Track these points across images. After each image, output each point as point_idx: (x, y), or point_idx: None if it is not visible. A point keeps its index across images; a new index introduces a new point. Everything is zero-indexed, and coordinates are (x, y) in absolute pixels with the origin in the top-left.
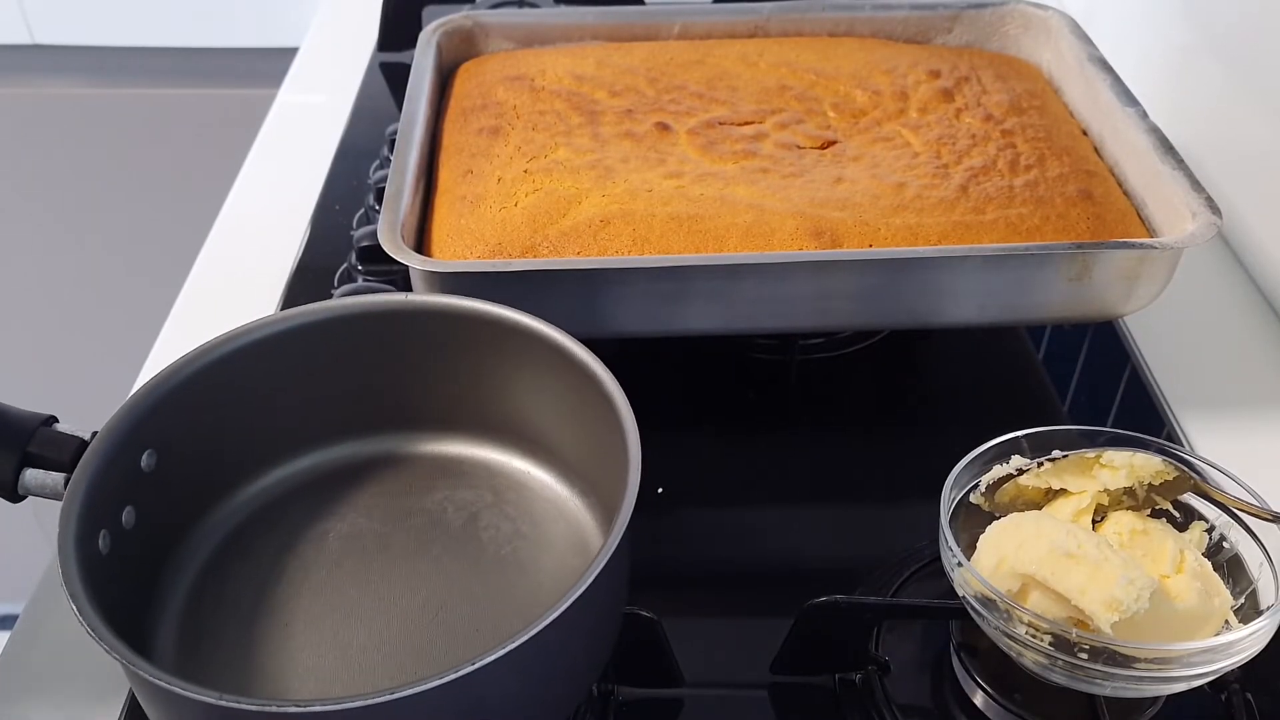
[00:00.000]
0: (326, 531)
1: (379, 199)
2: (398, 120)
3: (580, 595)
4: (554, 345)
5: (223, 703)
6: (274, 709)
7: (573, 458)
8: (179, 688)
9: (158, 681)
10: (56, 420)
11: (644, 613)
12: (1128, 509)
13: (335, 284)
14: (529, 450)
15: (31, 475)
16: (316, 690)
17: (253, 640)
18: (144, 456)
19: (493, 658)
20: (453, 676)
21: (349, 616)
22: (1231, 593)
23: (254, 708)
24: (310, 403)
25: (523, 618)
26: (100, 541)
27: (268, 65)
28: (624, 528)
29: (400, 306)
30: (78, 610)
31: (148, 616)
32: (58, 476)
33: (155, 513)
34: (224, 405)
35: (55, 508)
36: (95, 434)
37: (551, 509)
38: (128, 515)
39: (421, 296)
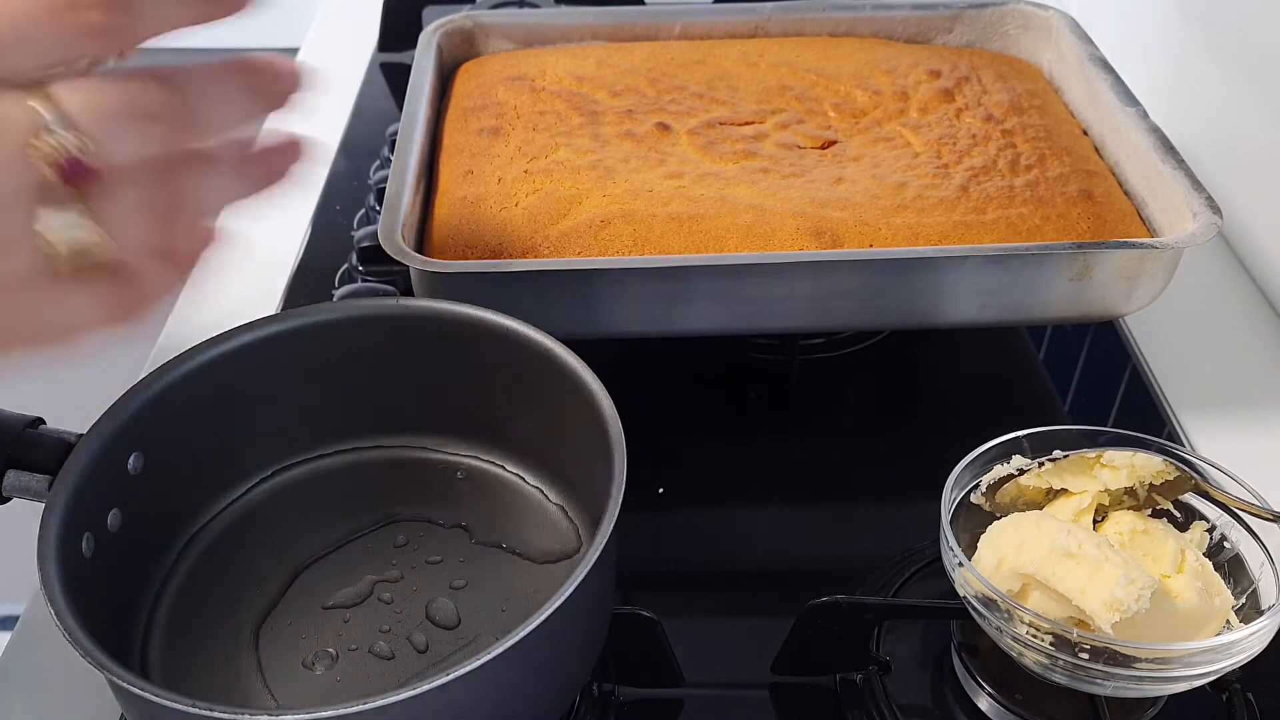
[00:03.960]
0: (317, 535)
1: (379, 199)
2: (398, 120)
3: (550, 615)
4: (542, 351)
5: (195, 710)
6: (245, 717)
7: (564, 468)
8: (150, 693)
9: (129, 686)
10: (43, 421)
11: (644, 613)
12: (1128, 509)
13: (336, 284)
14: (521, 458)
15: (14, 477)
16: (303, 694)
17: (241, 643)
18: (131, 459)
19: (466, 670)
20: (426, 688)
21: (339, 621)
22: (1232, 592)
23: (227, 716)
24: (299, 407)
25: (505, 629)
26: (83, 544)
27: None
28: (601, 547)
29: (390, 311)
30: (53, 611)
31: (136, 619)
32: (42, 478)
33: (143, 515)
34: (212, 408)
35: None
36: (81, 436)
37: (542, 518)
38: (114, 518)
39: (412, 301)
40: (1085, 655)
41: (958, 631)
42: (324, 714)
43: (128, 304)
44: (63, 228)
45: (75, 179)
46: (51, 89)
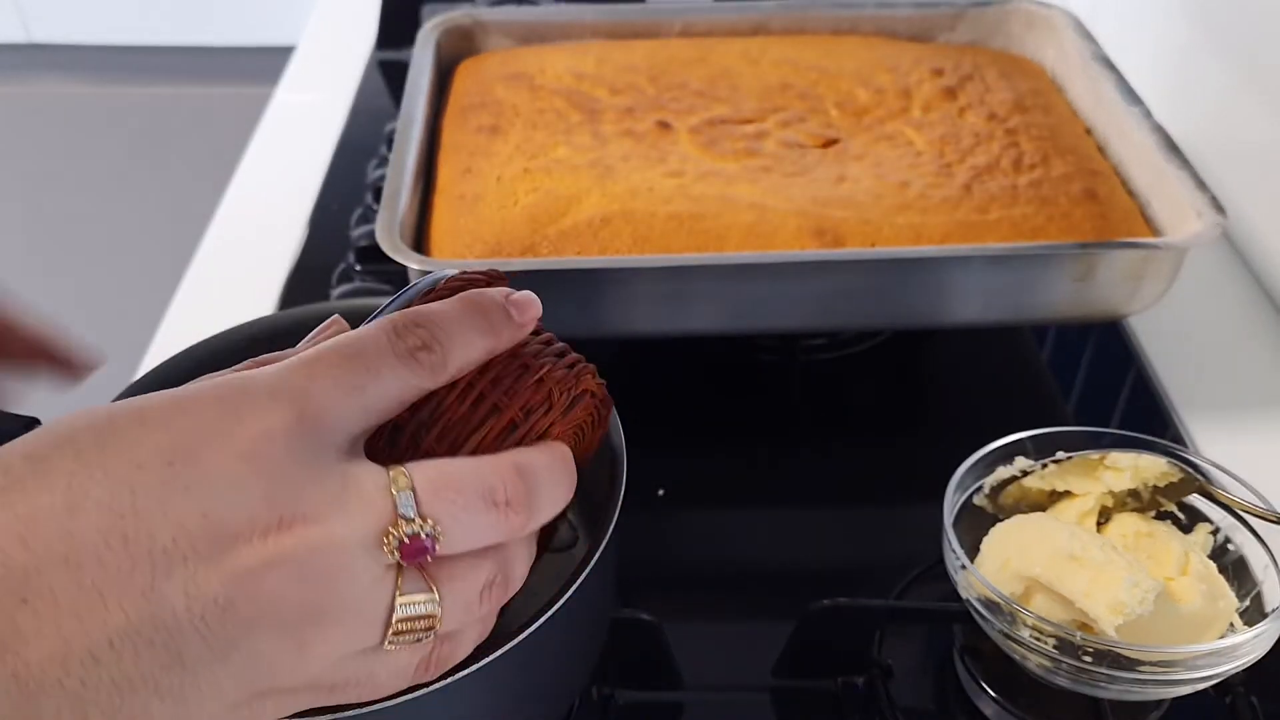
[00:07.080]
0: None
1: (377, 198)
2: (396, 118)
3: (550, 617)
4: None
5: None
6: None
7: None
8: None
9: None
10: (39, 422)
11: (645, 616)
12: (1132, 511)
13: (334, 283)
14: None
15: None
16: None
17: None
18: None
19: (466, 671)
20: (426, 689)
21: None
22: (1236, 595)
23: None
24: None
25: (505, 630)
26: None
27: (266, 63)
28: (600, 549)
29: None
30: None
31: None
32: None
33: None
34: None
35: None
36: None
37: None
38: None
39: None
40: (1089, 658)
41: (960, 635)
42: (324, 715)
43: (439, 661)
44: (405, 604)
45: (419, 562)
46: (407, 466)
